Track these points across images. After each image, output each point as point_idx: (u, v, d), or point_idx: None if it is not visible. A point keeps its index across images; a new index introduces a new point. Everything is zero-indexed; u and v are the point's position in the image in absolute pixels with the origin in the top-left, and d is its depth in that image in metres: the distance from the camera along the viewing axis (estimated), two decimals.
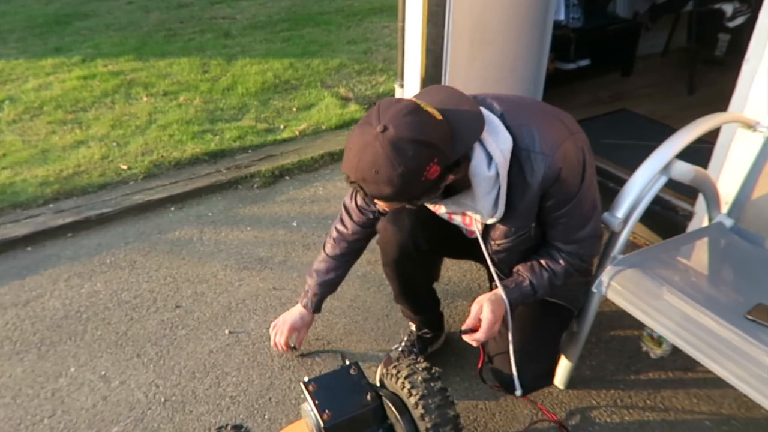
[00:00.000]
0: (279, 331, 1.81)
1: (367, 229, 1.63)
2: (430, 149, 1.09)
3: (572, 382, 1.75)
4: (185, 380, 1.78)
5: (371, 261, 2.20)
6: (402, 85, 3.27)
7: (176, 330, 1.96)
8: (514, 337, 1.43)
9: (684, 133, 1.46)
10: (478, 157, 1.20)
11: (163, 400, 1.71)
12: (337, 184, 2.79)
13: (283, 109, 3.48)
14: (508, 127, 1.22)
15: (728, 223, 1.62)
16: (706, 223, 2.04)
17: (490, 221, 1.33)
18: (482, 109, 1.21)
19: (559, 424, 1.64)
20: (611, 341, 1.92)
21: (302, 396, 1.43)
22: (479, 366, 1.52)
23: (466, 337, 1.36)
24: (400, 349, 1.81)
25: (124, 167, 2.81)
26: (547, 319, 1.52)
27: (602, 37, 3.47)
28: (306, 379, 1.45)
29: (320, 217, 2.54)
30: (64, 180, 2.70)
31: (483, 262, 1.65)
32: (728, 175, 1.85)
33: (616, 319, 1.94)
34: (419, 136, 1.08)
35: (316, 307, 1.78)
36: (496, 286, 1.39)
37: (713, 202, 1.63)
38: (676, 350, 1.79)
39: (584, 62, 3.44)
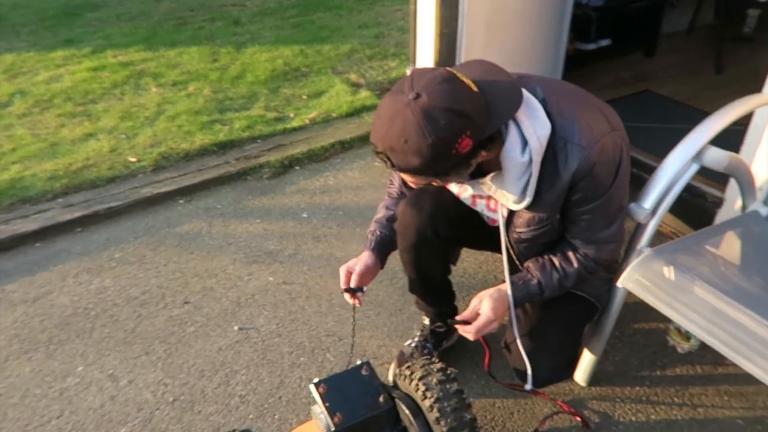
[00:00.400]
0: (342, 274, 1.52)
1: None
2: (464, 120, 1.03)
3: (594, 379, 1.67)
4: (194, 379, 1.73)
5: None
6: None
7: (185, 327, 1.91)
8: (535, 327, 1.38)
9: (718, 118, 1.36)
10: (512, 140, 1.14)
11: (171, 399, 1.67)
12: (348, 173, 2.72)
13: (293, 97, 3.41)
14: (548, 114, 1.16)
15: (764, 211, 1.52)
16: (738, 211, 1.94)
17: (516, 208, 1.26)
18: (523, 90, 1.14)
19: (580, 419, 1.56)
20: (635, 335, 1.83)
21: (312, 397, 1.37)
22: (486, 363, 1.45)
23: (457, 326, 1.32)
24: (413, 344, 1.74)
25: (133, 160, 2.76)
26: (569, 311, 1.44)
27: (624, 15, 3.33)
28: (316, 380, 1.40)
29: (331, 207, 2.47)
30: (73, 174, 2.67)
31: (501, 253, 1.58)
32: (763, 159, 1.74)
33: (640, 311, 1.85)
34: (453, 105, 1.02)
35: (378, 247, 1.52)
36: (504, 281, 1.33)
37: (748, 189, 1.53)
38: (704, 345, 1.69)
39: (605, 42, 3.30)
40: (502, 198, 1.25)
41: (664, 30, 3.55)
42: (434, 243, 1.47)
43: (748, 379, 1.11)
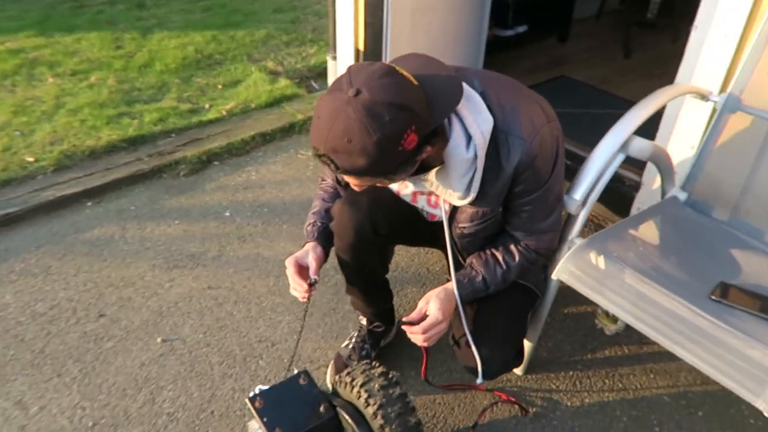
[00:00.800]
0: (289, 272, 1.43)
1: None
2: (408, 114, 0.99)
3: (530, 367, 1.70)
4: (115, 399, 1.60)
5: None
6: (335, 58, 3.09)
7: (101, 343, 1.76)
8: (481, 321, 1.37)
9: (641, 108, 1.40)
10: (456, 135, 1.12)
11: (91, 424, 1.54)
12: (271, 167, 2.61)
13: (207, 87, 3.23)
14: (488, 107, 1.13)
15: (682, 196, 1.58)
16: (655, 194, 2.02)
17: (460, 203, 1.23)
18: (463, 84, 1.11)
19: (518, 406, 1.58)
20: (566, 320, 1.88)
21: (248, 412, 1.30)
22: (423, 371, 1.42)
23: (405, 328, 1.28)
24: (350, 346, 1.70)
25: (31, 159, 2.51)
26: (513, 301, 1.44)
27: (539, 1, 3.39)
28: (252, 393, 1.32)
29: (255, 205, 2.36)
30: None
31: (443, 248, 1.56)
32: (678, 146, 1.82)
33: (569, 296, 1.88)
34: (396, 99, 0.98)
35: (321, 237, 1.46)
36: (449, 279, 1.31)
37: (668, 176, 1.59)
38: (630, 326, 1.77)
39: (522, 28, 3.36)
40: (445, 194, 1.23)
41: (575, 16, 3.66)
42: (373, 241, 1.43)
43: (670, 356, 1.16)
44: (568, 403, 1.62)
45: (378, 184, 1.19)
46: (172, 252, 2.11)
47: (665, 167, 1.56)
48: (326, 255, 1.47)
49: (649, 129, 1.55)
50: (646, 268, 1.36)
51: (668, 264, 1.44)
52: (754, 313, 1.22)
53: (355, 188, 1.18)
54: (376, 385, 1.30)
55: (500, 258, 1.31)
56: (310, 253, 1.41)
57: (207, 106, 3.03)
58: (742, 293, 1.27)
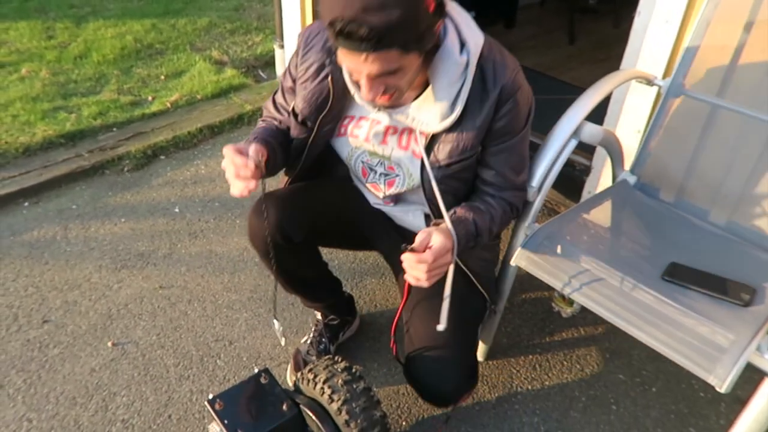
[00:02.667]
0: (228, 155, 1.18)
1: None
2: None
3: (491, 353, 1.71)
4: (65, 409, 1.53)
5: None
6: (282, 46, 3.03)
7: (47, 350, 1.68)
8: (437, 340, 1.28)
9: (591, 94, 1.42)
10: (451, 38, 1.12)
11: None
12: (220, 160, 2.52)
13: (149, 78, 3.10)
14: None
15: (632, 180, 1.62)
16: (604, 178, 2.07)
17: (439, 127, 1.19)
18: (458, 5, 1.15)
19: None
20: (523, 305, 1.91)
21: (208, 414, 1.26)
22: (392, 345, 1.36)
23: (406, 259, 1.08)
24: (309, 341, 1.67)
25: None
26: (465, 316, 1.36)
27: None
28: (210, 396, 1.29)
29: (205, 200, 2.29)
30: None
31: (378, 247, 1.56)
32: (626, 130, 1.86)
33: (526, 281, 1.92)
34: None
35: (261, 139, 1.28)
36: (436, 224, 1.19)
37: (618, 160, 1.62)
38: (584, 308, 1.81)
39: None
40: (423, 123, 1.21)
41: (521, 2, 3.70)
42: (287, 249, 1.36)
43: (624, 335, 1.18)
44: (529, 387, 1.64)
45: (392, 81, 1.10)
46: (120, 251, 2.03)
47: (615, 151, 1.59)
48: (273, 153, 1.26)
49: (597, 114, 1.58)
50: (600, 251, 1.39)
51: (621, 246, 1.48)
52: (704, 292, 1.26)
53: (368, 90, 1.10)
54: (340, 381, 1.28)
55: (484, 207, 1.27)
56: (251, 144, 1.19)
57: (150, 98, 2.91)
58: (691, 273, 1.31)
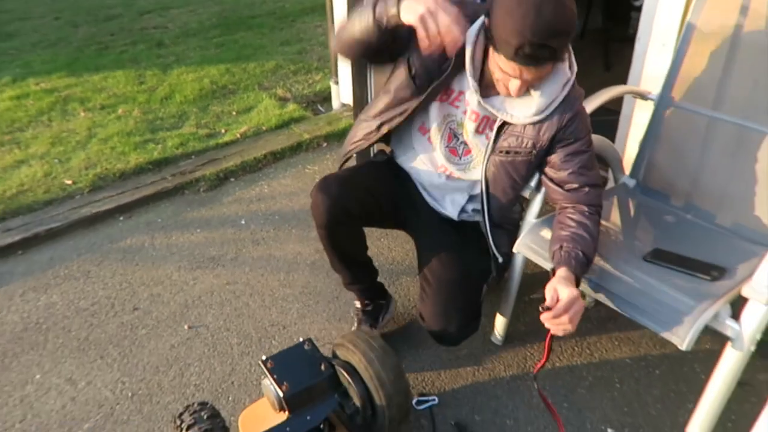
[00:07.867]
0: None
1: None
2: None
3: (509, 338, 1.93)
4: (150, 374, 1.87)
5: (318, 250, 2.31)
6: (337, 82, 3.41)
7: (136, 330, 2.04)
8: (441, 290, 1.58)
9: (587, 104, 1.66)
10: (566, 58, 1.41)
11: (130, 394, 1.80)
12: (281, 181, 2.91)
13: (222, 114, 3.56)
14: None
15: (631, 183, 1.83)
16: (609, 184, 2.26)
17: (525, 120, 1.44)
18: None
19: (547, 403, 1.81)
20: (542, 300, 2.10)
21: (263, 374, 1.55)
22: (537, 367, 1.64)
23: (546, 320, 1.30)
24: (353, 329, 1.94)
25: (69, 182, 2.84)
26: (474, 268, 1.64)
27: None
28: (264, 357, 1.58)
29: (267, 213, 2.65)
30: (9, 200, 2.72)
31: (410, 231, 1.81)
32: (632, 142, 2.07)
33: (545, 279, 2.12)
34: None
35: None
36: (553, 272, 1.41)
37: (617, 165, 1.84)
38: (599, 302, 1.99)
39: None
40: (512, 111, 1.44)
41: None
42: (346, 222, 1.62)
43: (634, 326, 1.34)
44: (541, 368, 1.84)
45: (537, 79, 1.36)
46: (195, 255, 2.40)
47: (613, 158, 1.82)
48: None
49: (610, 130, 1.80)
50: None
51: (612, 235, 1.69)
52: (678, 270, 1.45)
53: (518, 90, 1.36)
54: (375, 354, 1.53)
55: (578, 230, 1.44)
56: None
57: (223, 130, 3.35)
58: (671, 256, 1.51)
